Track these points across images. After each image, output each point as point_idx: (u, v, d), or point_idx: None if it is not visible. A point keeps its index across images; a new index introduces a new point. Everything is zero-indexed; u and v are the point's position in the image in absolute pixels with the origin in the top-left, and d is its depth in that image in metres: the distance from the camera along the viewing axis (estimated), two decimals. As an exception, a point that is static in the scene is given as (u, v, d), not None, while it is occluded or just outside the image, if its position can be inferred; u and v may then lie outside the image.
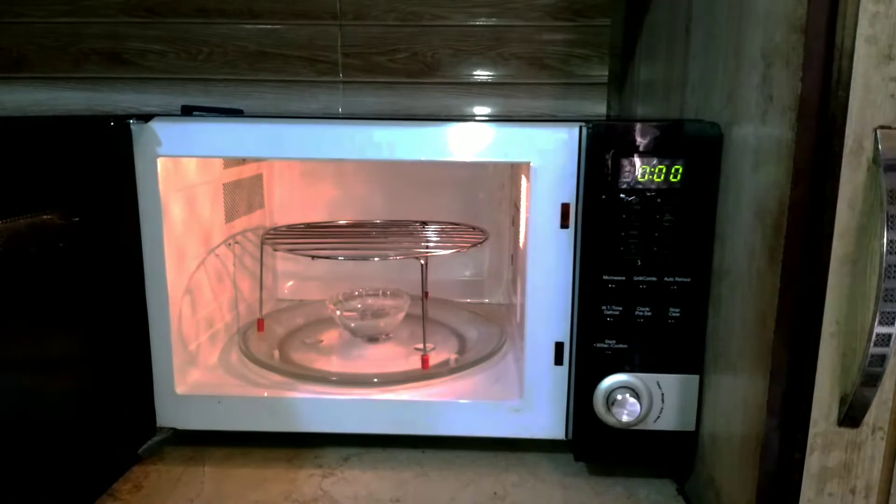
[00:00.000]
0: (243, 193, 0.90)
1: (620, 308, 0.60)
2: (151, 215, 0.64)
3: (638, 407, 0.60)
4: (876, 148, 0.42)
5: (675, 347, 0.60)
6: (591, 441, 0.63)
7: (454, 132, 0.62)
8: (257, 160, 0.94)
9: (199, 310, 0.76)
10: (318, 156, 0.63)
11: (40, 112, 0.99)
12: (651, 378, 0.61)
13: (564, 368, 0.65)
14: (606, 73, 0.97)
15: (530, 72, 0.97)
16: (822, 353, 0.45)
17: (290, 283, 1.05)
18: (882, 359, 0.42)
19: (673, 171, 0.57)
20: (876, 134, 0.42)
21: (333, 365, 0.79)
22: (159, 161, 0.63)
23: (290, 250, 0.82)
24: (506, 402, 0.67)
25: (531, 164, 0.62)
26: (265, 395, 0.69)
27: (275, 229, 0.94)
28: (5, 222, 0.49)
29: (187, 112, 0.65)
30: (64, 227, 0.56)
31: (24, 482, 0.52)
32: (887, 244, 0.41)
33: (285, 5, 0.96)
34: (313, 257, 0.79)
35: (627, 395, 0.60)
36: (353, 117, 0.64)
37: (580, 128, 0.61)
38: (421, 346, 0.77)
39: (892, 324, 0.41)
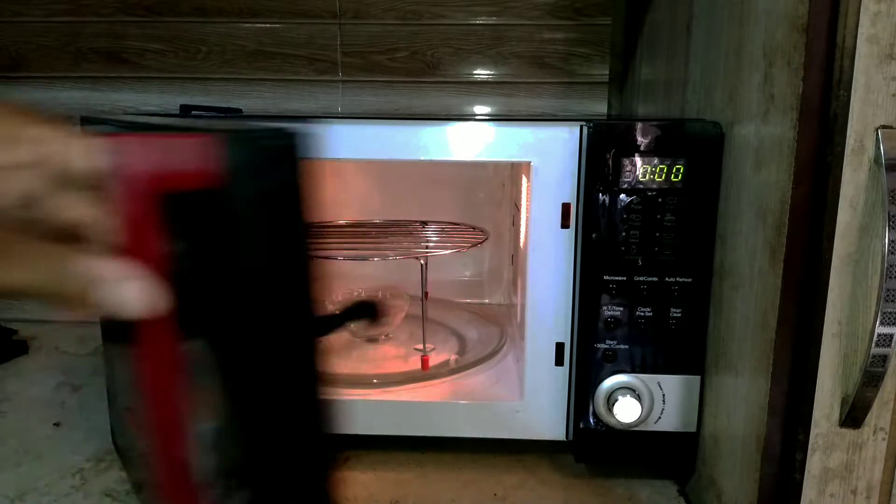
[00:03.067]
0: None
1: (621, 308, 0.59)
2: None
3: (639, 408, 0.60)
4: (877, 147, 0.41)
5: (676, 348, 0.60)
6: (591, 442, 0.62)
7: (454, 131, 0.62)
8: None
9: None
10: (316, 155, 0.63)
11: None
12: (652, 379, 0.61)
13: (565, 369, 0.64)
14: (607, 72, 0.96)
15: (531, 71, 0.97)
16: (824, 353, 0.44)
17: (290, 282, 1.04)
18: (883, 359, 0.42)
19: (674, 170, 0.57)
20: (877, 133, 0.42)
21: (332, 365, 0.78)
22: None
23: (290, 250, 0.81)
24: (506, 403, 0.67)
25: (532, 164, 0.61)
26: (264, 395, 0.69)
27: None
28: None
29: (186, 111, 0.65)
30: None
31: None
32: (889, 244, 0.40)
33: (284, 4, 0.96)
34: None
35: (628, 396, 0.60)
36: (353, 116, 0.63)
37: (581, 127, 0.60)
38: (421, 346, 0.77)
39: (894, 324, 0.41)
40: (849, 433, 0.45)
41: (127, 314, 0.31)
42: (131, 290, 0.31)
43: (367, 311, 0.69)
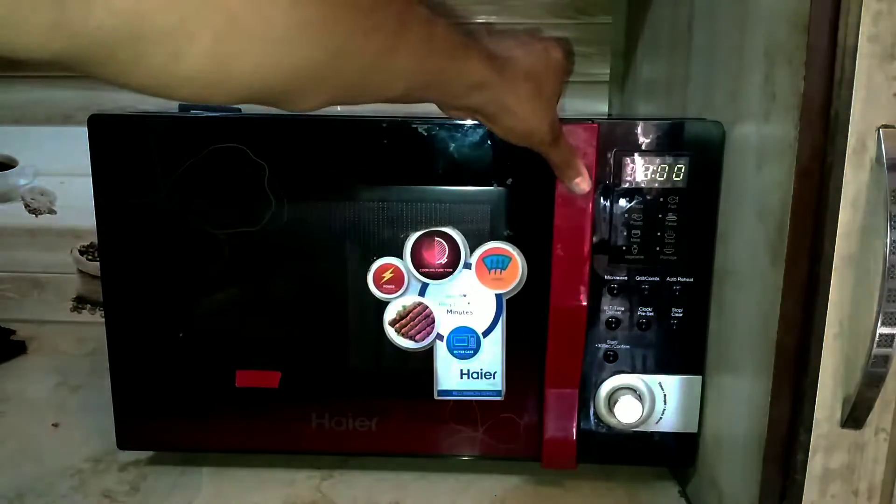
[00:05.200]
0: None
1: (622, 308, 0.59)
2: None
3: (640, 408, 0.59)
4: (879, 147, 0.41)
5: (677, 348, 0.60)
6: (592, 443, 0.62)
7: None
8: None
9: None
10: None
11: (38, 111, 0.99)
12: (653, 379, 0.61)
13: (565, 369, 0.64)
14: (608, 71, 0.96)
15: (531, 70, 0.97)
16: (826, 354, 0.44)
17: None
18: (885, 360, 0.41)
19: (675, 170, 0.57)
20: (879, 133, 0.41)
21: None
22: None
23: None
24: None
25: (532, 164, 0.61)
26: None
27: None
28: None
29: (185, 110, 0.65)
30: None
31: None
32: (890, 244, 0.40)
33: (284, 4, 0.96)
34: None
35: (629, 396, 0.60)
36: (353, 116, 0.63)
37: (581, 127, 0.60)
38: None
39: (895, 325, 0.41)
40: (850, 434, 0.45)
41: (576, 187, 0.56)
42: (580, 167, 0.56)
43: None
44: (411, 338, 0.61)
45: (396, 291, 0.60)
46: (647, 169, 0.57)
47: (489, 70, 0.46)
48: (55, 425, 0.75)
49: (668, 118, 0.59)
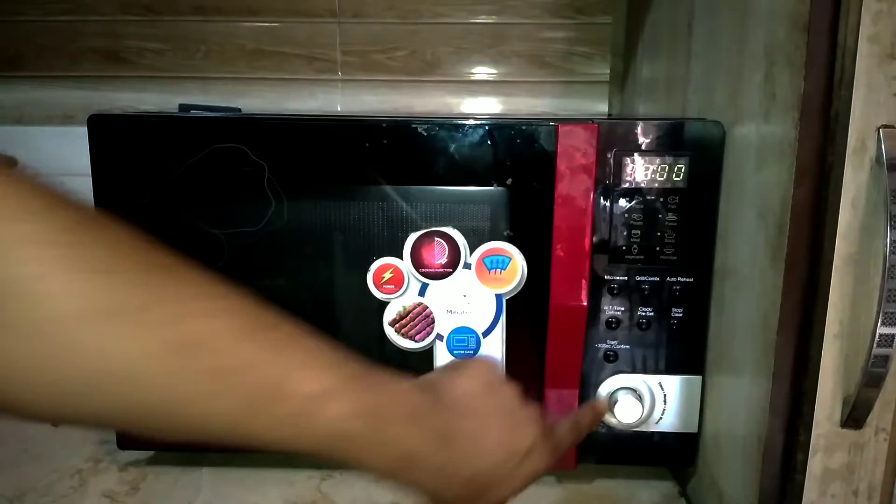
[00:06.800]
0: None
1: (622, 308, 0.59)
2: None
3: (640, 408, 0.60)
4: (879, 147, 0.41)
5: (677, 348, 0.60)
6: (592, 442, 0.62)
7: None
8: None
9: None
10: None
11: (38, 111, 0.99)
12: (653, 379, 0.61)
13: (565, 369, 0.64)
14: (608, 71, 0.96)
15: (531, 70, 0.97)
16: (826, 353, 0.44)
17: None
18: (885, 360, 0.41)
19: (675, 170, 0.57)
20: (879, 133, 0.41)
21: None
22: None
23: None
24: (506, 403, 0.67)
25: (531, 164, 0.61)
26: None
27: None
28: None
29: (185, 111, 0.65)
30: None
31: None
32: (890, 244, 0.40)
33: (284, 3, 0.96)
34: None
35: (629, 397, 0.60)
36: (353, 116, 0.63)
37: (581, 127, 0.60)
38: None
39: (895, 325, 0.41)
40: (850, 434, 0.45)
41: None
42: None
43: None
44: (411, 338, 0.61)
45: (396, 291, 0.60)
46: (647, 169, 0.57)
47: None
48: (55, 425, 0.75)
49: (668, 118, 0.59)
